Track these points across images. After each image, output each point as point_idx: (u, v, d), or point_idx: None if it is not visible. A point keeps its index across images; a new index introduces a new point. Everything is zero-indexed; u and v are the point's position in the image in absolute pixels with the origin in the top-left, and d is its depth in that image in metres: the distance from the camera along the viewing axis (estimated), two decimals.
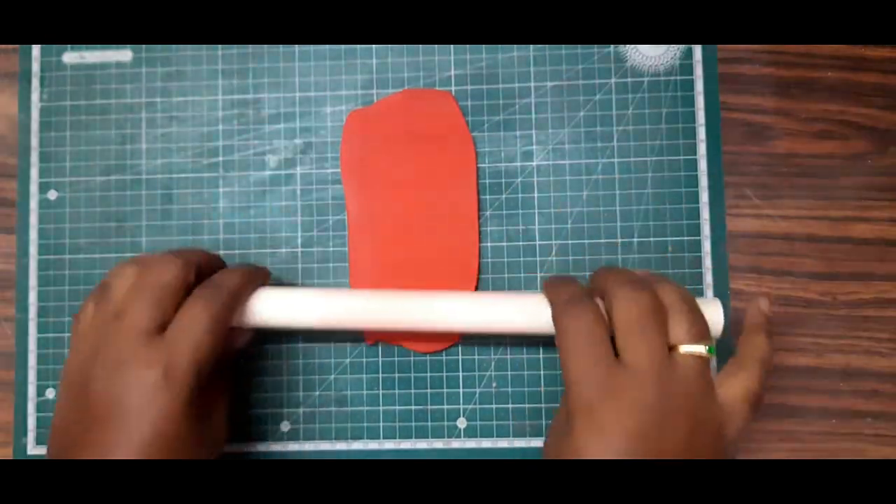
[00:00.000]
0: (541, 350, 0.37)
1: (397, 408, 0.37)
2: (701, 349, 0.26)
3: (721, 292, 0.37)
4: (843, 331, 0.37)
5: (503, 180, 0.38)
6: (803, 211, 0.37)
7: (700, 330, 0.27)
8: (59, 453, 0.29)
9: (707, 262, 0.37)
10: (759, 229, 0.37)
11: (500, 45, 0.38)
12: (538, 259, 0.37)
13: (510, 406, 0.37)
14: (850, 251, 0.37)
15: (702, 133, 0.37)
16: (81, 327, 0.30)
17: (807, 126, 0.38)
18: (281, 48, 0.39)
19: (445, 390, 0.37)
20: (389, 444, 0.37)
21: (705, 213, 0.37)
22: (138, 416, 0.28)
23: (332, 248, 0.38)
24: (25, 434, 0.38)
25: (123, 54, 0.39)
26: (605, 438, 0.26)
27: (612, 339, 0.27)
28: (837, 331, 0.37)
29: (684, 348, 0.26)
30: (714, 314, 0.30)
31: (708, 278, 0.37)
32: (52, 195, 0.39)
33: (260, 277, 0.34)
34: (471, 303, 0.32)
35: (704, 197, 0.37)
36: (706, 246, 0.37)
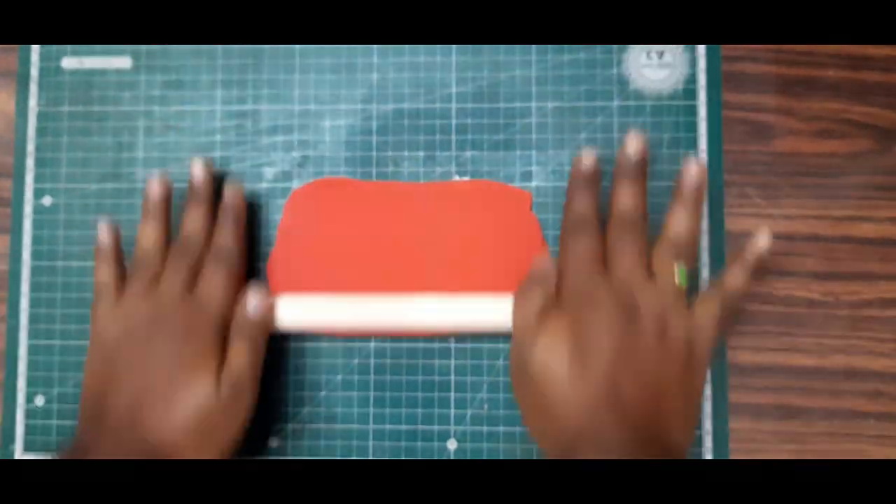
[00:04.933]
0: None
1: (387, 427, 0.37)
2: (676, 274, 0.31)
3: None
4: (846, 331, 0.37)
5: None
6: (805, 210, 0.37)
7: (680, 259, 0.32)
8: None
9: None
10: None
11: (502, 64, 0.38)
12: None
13: (501, 429, 0.36)
14: (853, 251, 0.37)
15: (703, 160, 0.37)
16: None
17: (809, 125, 0.37)
18: (281, 60, 0.38)
19: (437, 411, 0.37)
20: None
21: (704, 241, 0.37)
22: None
23: None
24: (13, 441, 0.37)
25: (123, 61, 0.39)
26: (588, 309, 0.31)
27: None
28: (840, 331, 0.37)
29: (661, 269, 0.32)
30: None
31: None
32: (47, 201, 0.38)
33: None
34: (441, 303, 0.35)
35: (704, 224, 0.37)
36: (704, 273, 0.36)
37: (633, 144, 0.33)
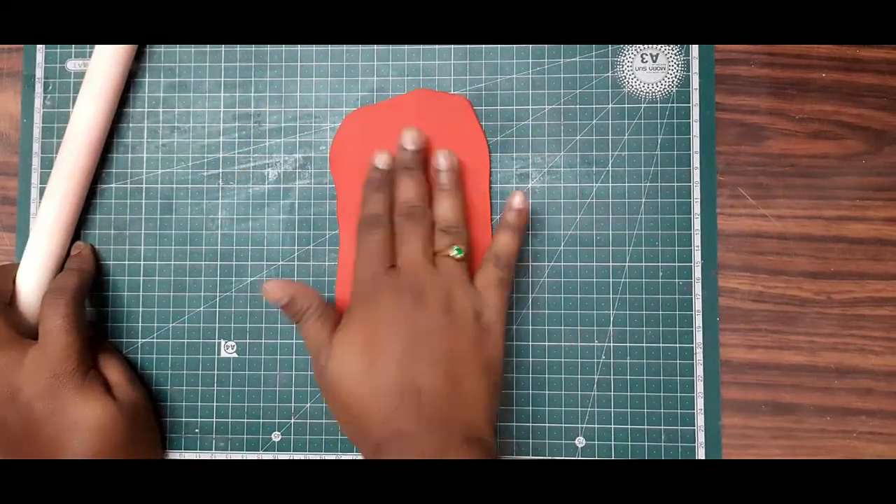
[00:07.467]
0: (531, 369, 0.37)
1: None
2: (453, 252, 0.34)
3: (710, 318, 0.37)
4: (837, 329, 0.37)
5: (498, 201, 0.38)
6: (798, 210, 0.38)
7: (453, 240, 0.34)
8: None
9: (697, 290, 0.37)
10: (753, 229, 0.38)
11: (500, 68, 0.38)
12: (530, 280, 0.38)
13: (500, 424, 0.37)
14: (845, 250, 0.38)
15: (696, 161, 0.38)
16: None
17: (801, 126, 0.38)
18: (283, 63, 0.39)
19: None
20: None
21: (697, 241, 0.37)
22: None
23: (327, 263, 0.38)
24: None
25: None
26: (373, 308, 0.33)
27: None
28: (831, 329, 0.37)
29: (440, 253, 0.34)
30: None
31: (698, 305, 0.37)
32: None
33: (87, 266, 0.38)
34: None
35: (697, 224, 0.37)
36: (697, 272, 0.37)
37: (409, 136, 0.35)
